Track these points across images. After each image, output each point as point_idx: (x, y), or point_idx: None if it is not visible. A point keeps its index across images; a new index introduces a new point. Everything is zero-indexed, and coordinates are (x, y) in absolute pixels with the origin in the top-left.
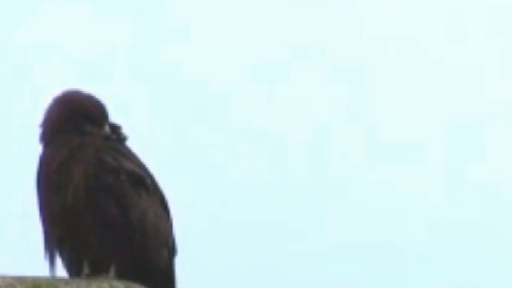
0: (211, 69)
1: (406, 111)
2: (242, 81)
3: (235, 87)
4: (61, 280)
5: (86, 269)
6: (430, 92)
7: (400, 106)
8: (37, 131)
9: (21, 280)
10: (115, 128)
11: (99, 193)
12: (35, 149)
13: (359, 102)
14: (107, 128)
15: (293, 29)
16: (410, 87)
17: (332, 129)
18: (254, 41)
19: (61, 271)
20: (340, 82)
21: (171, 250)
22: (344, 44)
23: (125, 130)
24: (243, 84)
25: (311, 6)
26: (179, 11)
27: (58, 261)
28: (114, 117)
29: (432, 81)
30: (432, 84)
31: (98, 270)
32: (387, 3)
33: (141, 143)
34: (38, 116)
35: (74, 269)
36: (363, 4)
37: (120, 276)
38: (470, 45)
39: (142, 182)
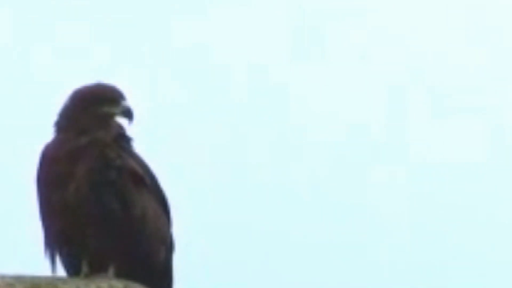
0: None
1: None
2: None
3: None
4: (60, 279)
5: (85, 269)
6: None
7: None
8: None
9: (20, 279)
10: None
11: (102, 188)
12: (34, 149)
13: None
14: (124, 103)
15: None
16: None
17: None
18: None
19: (60, 271)
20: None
21: (169, 248)
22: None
23: (129, 132)
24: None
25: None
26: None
27: (58, 259)
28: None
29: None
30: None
31: (96, 270)
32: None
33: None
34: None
35: (73, 269)
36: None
37: (119, 275)
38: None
39: (142, 181)
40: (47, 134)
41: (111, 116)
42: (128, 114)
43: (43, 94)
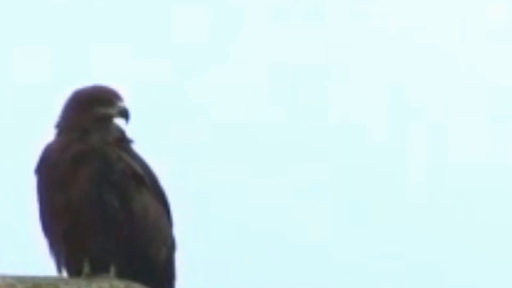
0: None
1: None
2: None
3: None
4: (61, 279)
5: (86, 269)
6: None
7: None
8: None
9: (21, 279)
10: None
11: (105, 189)
12: (34, 149)
13: None
14: (121, 105)
15: None
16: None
17: None
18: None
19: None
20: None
21: (171, 248)
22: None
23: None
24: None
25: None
26: None
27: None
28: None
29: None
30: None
31: (98, 270)
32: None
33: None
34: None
35: (74, 269)
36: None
37: (120, 275)
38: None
39: (143, 181)
40: (47, 134)
41: (108, 117)
42: (124, 114)
43: (41, 93)
